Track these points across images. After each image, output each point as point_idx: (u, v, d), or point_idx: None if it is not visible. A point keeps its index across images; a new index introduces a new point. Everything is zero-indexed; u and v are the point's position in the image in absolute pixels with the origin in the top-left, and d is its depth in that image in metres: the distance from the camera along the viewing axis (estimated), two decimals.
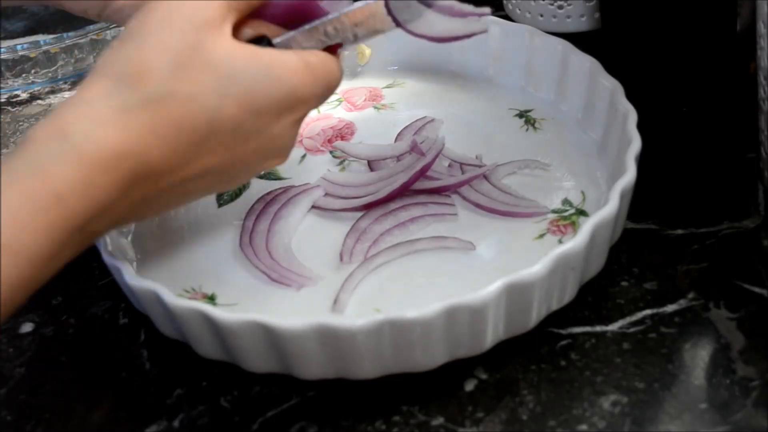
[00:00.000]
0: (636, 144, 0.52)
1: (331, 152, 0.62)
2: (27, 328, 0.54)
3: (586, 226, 0.48)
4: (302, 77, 0.44)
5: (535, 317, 0.48)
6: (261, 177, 0.60)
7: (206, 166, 0.44)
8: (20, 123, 0.70)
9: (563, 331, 0.50)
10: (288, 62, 0.44)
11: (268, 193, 0.58)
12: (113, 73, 0.42)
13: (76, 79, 0.74)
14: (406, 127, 0.62)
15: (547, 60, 0.63)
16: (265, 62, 0.43)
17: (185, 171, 0.43)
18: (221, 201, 0.59)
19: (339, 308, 0.50)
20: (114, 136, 0.40)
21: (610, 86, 0.58)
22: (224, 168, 0.45)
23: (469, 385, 0.48)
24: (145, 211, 0.45)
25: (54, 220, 0.39)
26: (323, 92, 0.46)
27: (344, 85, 0.68)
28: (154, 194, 0.43)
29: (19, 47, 0.81)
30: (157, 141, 0.41)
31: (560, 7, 0.69)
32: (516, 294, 0.46)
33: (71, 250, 0.41)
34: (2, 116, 0.73)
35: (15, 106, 0.75)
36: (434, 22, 0.47)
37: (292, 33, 0.47)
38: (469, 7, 0.47)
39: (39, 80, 0.77)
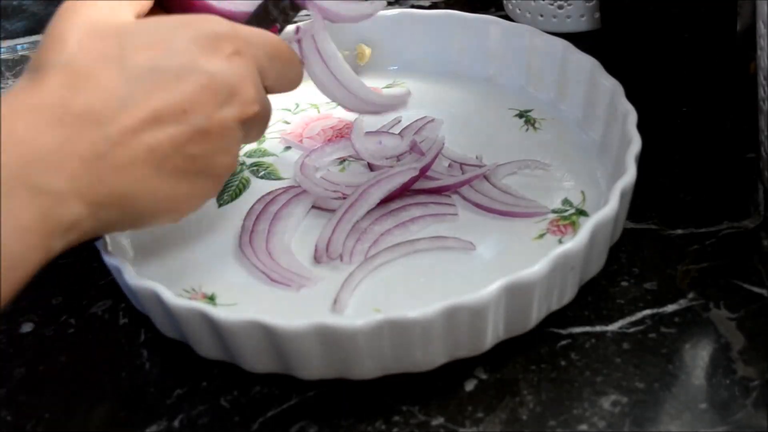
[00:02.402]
0: (636, 144, 0.52)
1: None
2: (27, 328, 0.54)
3: (586, 226, 0.48)
4: (211, 18, 0.46)
5: (535, 317, 0.48)
6: (261, 177, 0.61)
7: (149, 112, 0.43)
8: None
9: (563, 331, 0.50)
10: (200, 15, 0.47)
11: (268, 193, 0.58)
12: (30, 63, 0.44)
13: None
14: (406, 127, 0.62)
15: (547, 60, 0.63)
16: (170, 17, 0.46)
17: (125, 117, 0.42)
18: (221, 201, 0.59)
19: (339, 308, 0.50)
20: (25, 96, 0.41)
21: (610, 86, 0.58)
22: (176, 114, 0.44)
23: (469, 385, 0.48)
24: (117, 177, 0.42)
25: None
26: (248, 34, 0.47)
27: None
28: (105, 147, 0.42)
29: (19, 47, 0.81)
30: (74, 91, 0.41)
31: (560, 7, 0.69)
32: (516, 294, 0.46)
33: (29, 209, 0.39)
34: None
35: None
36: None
37: None
38: None
39: None
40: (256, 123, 0.49)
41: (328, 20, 0.54)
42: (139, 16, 0.47)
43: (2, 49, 0.82)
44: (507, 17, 0.71)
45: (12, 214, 0.39)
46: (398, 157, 0.60)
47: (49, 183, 0.40)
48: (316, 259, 0.53)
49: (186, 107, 0.44)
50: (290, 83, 0.52)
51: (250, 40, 0.47)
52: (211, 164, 0.46)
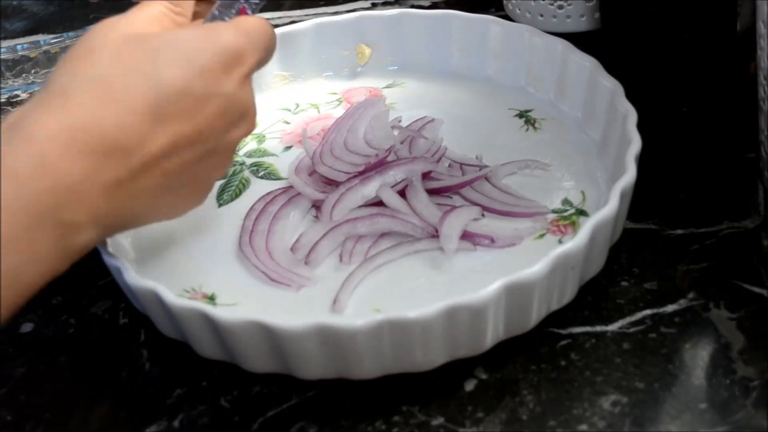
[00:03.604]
0: (636, 144, 0.52)
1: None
2: (27, 328, 0.54)
3: (586, 226, 0.48)
4: (234, 33, 0.46)
5: (535, 317, 0.48)
6: (261, 177, 0.61)
7: (173, 138, 0.44)
8: None
9: (563, 331, 0.50)
10: (217, 25, 0.47)
11: (268, 193, 0.58)
12: (50, 83, 0.43)
13: None
14: (406, 127, 0.62)
15: (547, 60, 0.63)
16: (195, 29, 0.46)
17: (151, 145, 0.43)
18: (221, 201, 0.59)
19: (338, 308, 0.50)
20: (59, 115, 0.41)
21: (610, 86, 0.58)
22: (194, 139, 0.45)
23: (469, 385, 0.48)
24: (130, 202, 0.44)
25: (10, 198, 0.39)
26: (262, 47, 0.48)
27: (344, 85, 0.68)
28: (127, 177, 0.43)
29: (19, 47, 0.81)
30: (106, 112, 0.42)
31: (560, 7, 0.69)
32: (516, 294, 0.46)
33: (46, 242, 0.40)
34: (2, 116, 0.73)
35: (15, 106, 0.75)
36: None
37: (213, 10, 0.51)
38: None
39: (39, 80, 0.78)
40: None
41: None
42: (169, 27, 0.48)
43: (2, 49, 0.82)
44: (507, 17, 0.71)
45: (34, 246, 0.40)
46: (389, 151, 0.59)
47: (72, 216, 0.41)
48: (292, 250, 0.54)
49: (204, 131, 0.45)
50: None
51: (256, 43, 0.48)
52: (211, 177, 0.49)
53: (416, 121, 0.63)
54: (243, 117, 0.47)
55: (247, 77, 0.47)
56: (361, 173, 0.57)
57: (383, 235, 0.54)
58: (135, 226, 0.47)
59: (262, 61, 0.49)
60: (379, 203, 0.55)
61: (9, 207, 0.39)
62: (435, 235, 0.53)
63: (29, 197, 0.39)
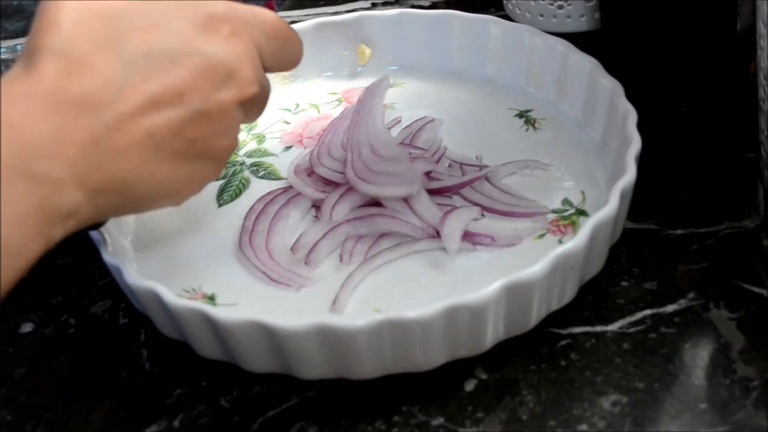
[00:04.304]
0: (636, 144, 0.52)
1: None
2: (27, 328, 0.54)
3: (586, 226, 0.48)
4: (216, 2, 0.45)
5: (535, 317, 0.48)
6: (261, 177, 0.61)
7: (148, 96, 0.42)
8: None
9: (563, 331, 0.50)
10: None
11: (268, 193, 0.58)
12: (16, 63, 0.43)
13: None
14: (406, 127, 0.62)
15: (547, 60, 0.63)
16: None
17: (124, 102, 0.42)
18: (221, 201, 0.59)
19: (338, 308, 0.50)
20: (21, 85, 0.41)
21: (610, 86, 0.58)
22: (175, 98, 0.43)
23: (469, 385, 0.48)
24: (116, 161, 0.42)
25: None
26: (245, 14, 0.46)
27: (344, 85, 0.68)
28: (103, 133, 0.41)
29: (19, 47, 0.81)
30: (71, 77, 0.41)
31: (560, 7, 0.69)
32: (516, 294, 0.46)
33: (25, 197, 0.39)
34: None
35: None
36: None
37: None
38: None
39: None
40: (255, 103, 0.48)
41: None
42: None
43: (2, 49, 0.82)
44: (507, 17, 0.71)
45: (10, 202, 0.39)
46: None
47: (47, 171, 0.40)
48: (292, 250, 0.54)
49: (183, 90, 0.43)
50: (289, 62, 0.51)
51: (247, 19, 0.46)
52: (211, 146, 0.46)
53: (416, 121, 0.63)
54: (230, 76, 0.45)
55: (231, 37, 0.45)
56: None
57: (383, 235, 0.54)
58: (133, 197, 0.44)
59: (265, 43, 0.47)
60: (378, 203, 0.55)
61: None
62: (435, 235, 0.53)
63: (4, 150, 0.39)
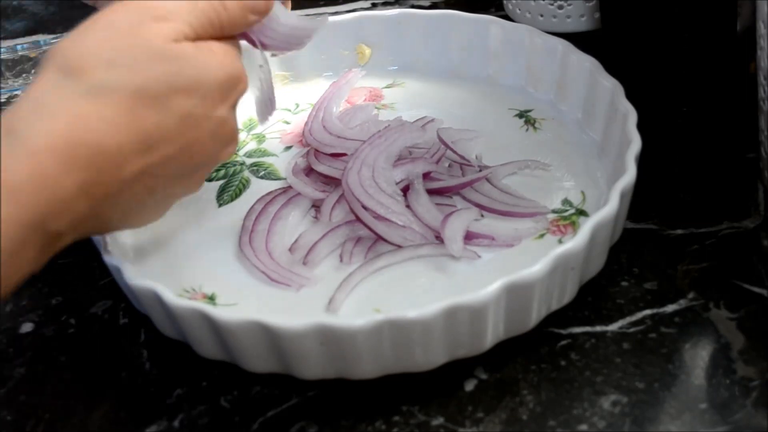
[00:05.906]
0: (636, 144, 0.52)
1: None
2: (27, 328, 0.54)
3: (586, 226, 0.48)
4: (234, 60, 0.46)
5: (535, 317, 0.48)
6: (261, 177, 0.61)
7: (165, 155, 0.44)
8: None
9: (563, 331, 0.50)
10: (225, 47, 0.46)
11: (268, 193, 0.58)
12: (58, 66, 0.42)
13: None
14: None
15: (547, 60, 0.63)
16: (206, 49, 0.45)
17: (145, 159, 0.43)
18: (221, 201, 0.59)
19: (333, 308, 0.50)
20: (62, 126, 0.40)
21: (610, 86, 0.58)
22: (184, 158, 0.45)
23: (469, 385, 0.48)
24: (109, 211, 0.43)
25: (7, 214, 0.38)
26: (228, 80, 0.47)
27: None
28: (115, 188, 0.42)
29: (19, 47, 0.81)
30: (109, 127, 0.41)
31: (560, 7, 0.69)
32: (516, 294, 0.46)
33: (34, 250, 0.40)
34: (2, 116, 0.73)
35: None
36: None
37: None
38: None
39: None
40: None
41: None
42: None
43: (2, 49, 0.82)
44: (507, 17, 0.71)
45: (21, 256, 0.40)
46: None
47: (58, 226, 0.41)
48: (291, 250, 0.54)
49: (195, 150, 0.45)
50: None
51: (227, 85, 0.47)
52: (176, 194, 0.48)
53: (416, 121, 0.63)
54: (231, 141, 0.48)
55: (235, 105, 0.48)
56: None
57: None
58: (102, 233, 0.48)
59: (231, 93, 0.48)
60: None
61: (9, 221, 0.38)
62: (435, 240, 0.53)
63: (27, 212, 0.39)
